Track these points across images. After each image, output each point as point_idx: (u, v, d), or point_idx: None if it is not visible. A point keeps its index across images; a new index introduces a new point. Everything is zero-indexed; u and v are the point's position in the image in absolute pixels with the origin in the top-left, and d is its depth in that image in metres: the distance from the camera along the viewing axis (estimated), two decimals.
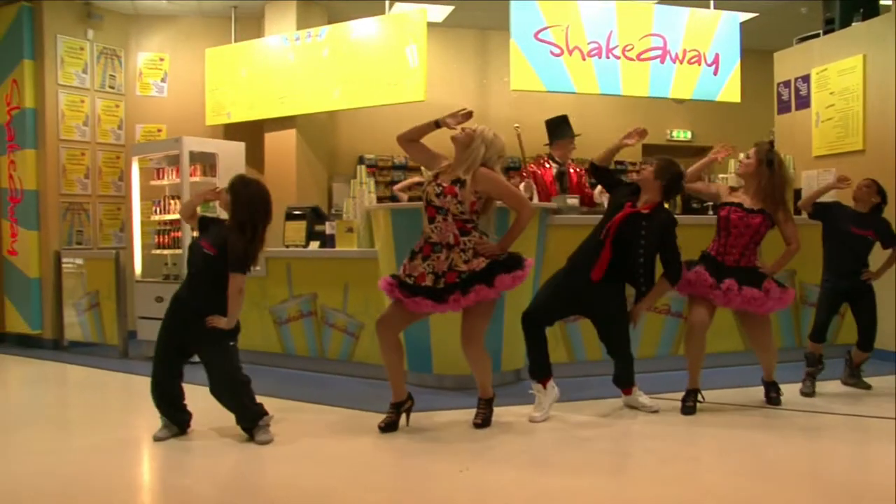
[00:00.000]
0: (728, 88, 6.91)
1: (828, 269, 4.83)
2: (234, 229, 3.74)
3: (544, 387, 4.24)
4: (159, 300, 6.16)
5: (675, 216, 4.32)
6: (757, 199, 4.23)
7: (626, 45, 6.49)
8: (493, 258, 3.80)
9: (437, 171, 3.92)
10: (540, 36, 6.27)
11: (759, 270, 4.25)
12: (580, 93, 6.33)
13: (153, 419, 3.92)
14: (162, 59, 7.90)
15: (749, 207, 4.22)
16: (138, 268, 6.65)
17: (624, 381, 4.38)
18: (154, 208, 6.62)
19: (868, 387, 4.84)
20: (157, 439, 3.82)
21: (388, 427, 3.92)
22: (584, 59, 6.38)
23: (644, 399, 4.37)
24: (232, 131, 7.81)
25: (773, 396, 4.45)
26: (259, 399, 3.91)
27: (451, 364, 4.98)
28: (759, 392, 4.57)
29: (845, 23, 6.30)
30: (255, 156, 7.80)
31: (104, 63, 7.53)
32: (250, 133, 7.76)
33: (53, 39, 7.11)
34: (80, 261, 6.95)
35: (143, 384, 4.02)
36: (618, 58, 6.49)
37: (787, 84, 6.80)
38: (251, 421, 3.83)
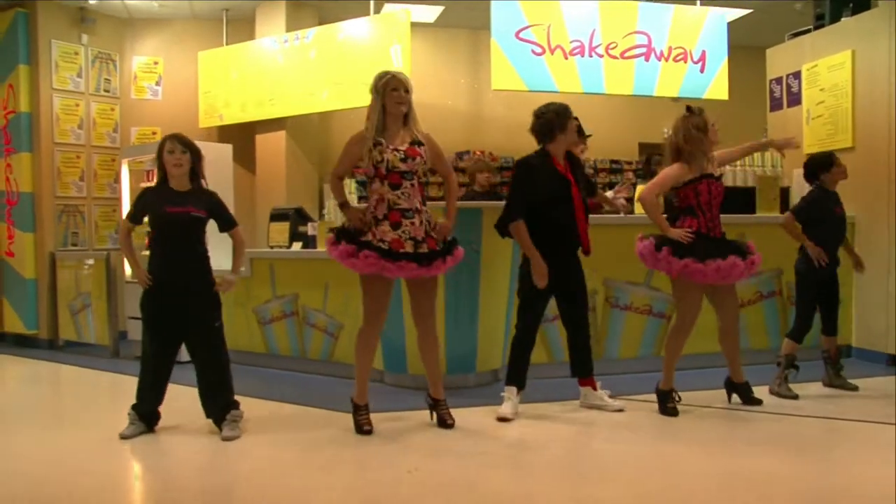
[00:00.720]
0: (715, 86, 6.83)
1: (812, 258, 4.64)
2: (205, 186, 4.00)
3: (517, 393, 4.25)
4: None
5: None
6: (711, 161, 4.20)
7: (610, 44, 6.44)
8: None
9: (376, 142, 3.76)
10: (521, 35, 6.24)
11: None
12: (563, 92, 6.28)
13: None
14: (156, 63, 7.99)
15: (717, 175, 4.18)
16: (128, 269, 6.71)
17: (590, 365, 4.33)
18: None
19: (855, 388, 4.74)
20: (123, 437, 3.85)
21: (372, 427, 3.90)
22: (566, 58, 6.34)
23: (609, 399, 4.33)
24: (226, 133, 7.88)
25: (751, 397, 4.38)
26: (236, 398, 3.98)
27: None
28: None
29: (836, 18, 6.20)
30: (248, 157, 7.86)
31: (99, 67, 7.63)
32: (244, 135, 7.83)
33: (48, 44, 7.22)
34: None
35: (129, 384, 4.04)
36: (601, 56, 6.43)
37: (779, 81, 6.71)
38: (225, 408, 3.88)
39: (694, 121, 4.13)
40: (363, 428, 3.88)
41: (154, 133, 7.87)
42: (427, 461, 3.49)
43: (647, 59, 6.52)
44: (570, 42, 6.35)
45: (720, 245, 4.10)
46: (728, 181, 6.12)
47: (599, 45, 6.41)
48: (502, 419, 4.10)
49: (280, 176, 7.56)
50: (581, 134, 5.84)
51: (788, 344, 4.69)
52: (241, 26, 7.84)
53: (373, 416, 4.07)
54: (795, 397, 4.54)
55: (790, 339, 4.70)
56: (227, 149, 6.75)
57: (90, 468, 3.49)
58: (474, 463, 3.46)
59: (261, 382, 5.40)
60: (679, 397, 4.32)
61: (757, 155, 6.27)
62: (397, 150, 3.74)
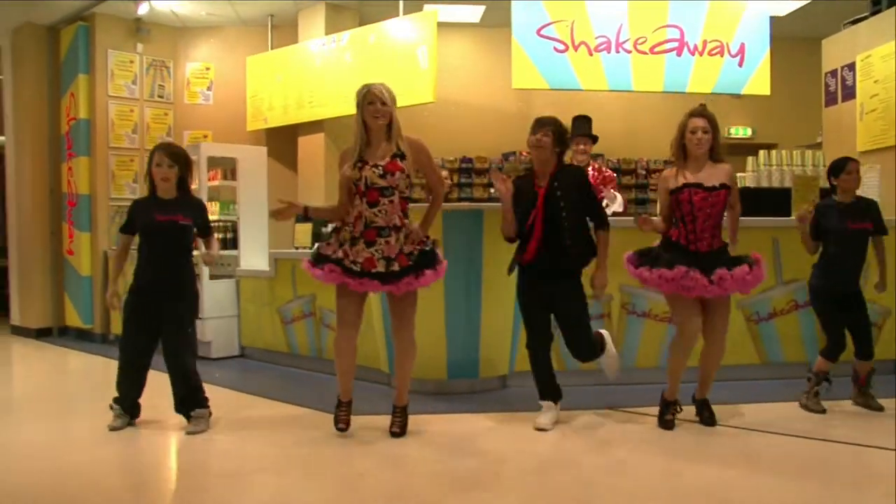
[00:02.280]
0: (755, 80, 6.36)
1: (825, 275, 4.33)
2: (191, 194, 4.14)
3: (556, 405, 4.12)
4: None
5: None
6: (712, 171, 3.86)
7: (639, 38, 6.12)
8: (423, 245, 3.77)
9: (357, 160, 3.70)
10: (543, 32, 6.05)
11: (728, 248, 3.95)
12: (587, 89, 6.05)
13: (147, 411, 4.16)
14: (208, 69, 8.28)
15: (710, 185, 3.83)
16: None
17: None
18: None
19: (880, 408, 4.31)
20: (112, 429, 4.00)
21: (347, 425, 3.88)
22: (591, 55, 6.09)
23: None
24: (272, 135, 8.08)
25: (706, 416, 4.06)
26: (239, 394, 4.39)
27: (432, 368, 4.91)
28: (757, 409, 4.28)
29: (894, 1, 5.69)
30: (292, 159, 8.03)
31: (153, 74, 7.97)
32: (288, 137, 8.01)
33: (105, 54, 7.61)
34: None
35: (153, 378, 4.16)
36: (629, 52, 6.13)
37: (833, 74, 6.23)
38: (192, 406, 4.02)
39: (680, 123, 3.90)
40: (338, 424, 3.86)
41: (205, 136, 8.16)
42: (379, 467, 3.44)
43: (679, 54, 6.16)
44: (596, 38, 6.10)
45: (695, 259, 3.82)
46: (762, 181, 5.71)
47: (627, 40, 6.11)
48: (540, 429, 3.96)
49: (319, 176, 7.66)
50: (584, 134, 5.59)
51: (821, 362, 4.36)
52: (286, 31, 8.01)
53: (364, 418, 4.07)
54: (823, 412, 4.26)
55: (823, 357, 4.37)
56: (261, 151, 6.90)
57: (65, 460, 3.63)
58: (425, 472, 3.38)
59: (273, 381, 5.53)
60: (680, 409, 4.07)
61: (797, 152, 5.83)
62: (376, 167, 3.67)
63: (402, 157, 3.70)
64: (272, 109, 7.89)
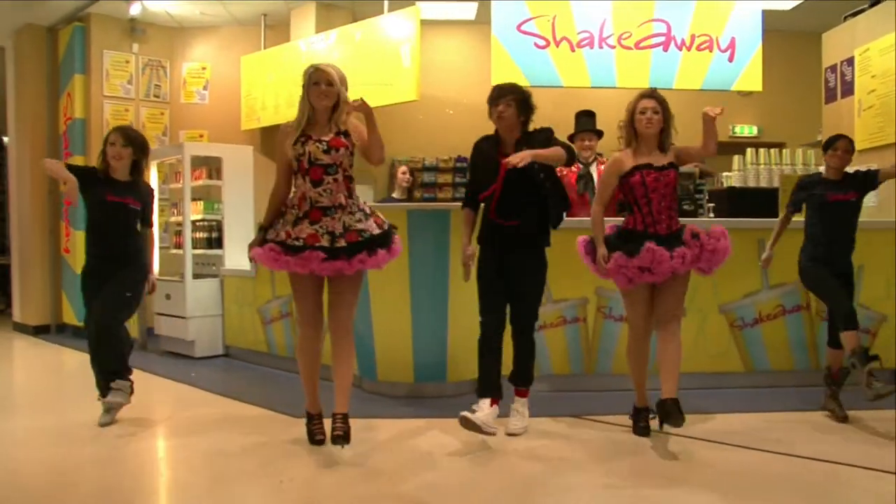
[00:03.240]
0: (746, 76, 6.10)
1: (813, 253, 4.19)
2: (143, 180, 4.16)
3: (490, 405, 3.79)
4: (167, 297, 6.50)
5: None
6: (661, 152, 3.70)
7: (623, 33, 5.92)
8: (381, 226, 3.63)
9: (299, 136, 3.56)
10: (523, 28, 5.88)
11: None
12: (568, 86, 5.87)
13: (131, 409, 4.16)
14: (204, 68, 8.28)
15: (659, 165, 3.68)
16: (156, 267, 6.95)
17: (530, 374, 3.88)
18: (171, 210, 6.92)
19: (844, 418, 4.09)
20: (102, 425, 3.95)
21: (325, 436, 3.69)
22: (573, 51, 5.90)
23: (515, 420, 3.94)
24: (267, 134, 8.01)
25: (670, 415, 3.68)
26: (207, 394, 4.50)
27: (399, 371, 4.81)
28: (739, 419, 4.13)
29: None
30: None
31: (149, 74, 8.00)
32: None
33: (100, 54, 7.66)
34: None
35: (143, 377, 4.25)
36: (612, 47, 5.93)
37: (833, 69, 5.97)
38: (111, 375, 4.03)
39: (629, 105, 3.74)
40: (315, 437, 3.70)
41: (201, 136, 8.17)
42: (306, 472, 3.35)
43: (665, 49, 5.95)
44: (578, 33, 5.91)
45: (659, 242, 3.66)
46: (749, 181, 5.48)
47: (611, 35, 5.91)
48: (488, 433, 3.72)
49: None
50: (589, 129, 5.44)
51: (848, 337, 3.94)
52: (279, 30, 7.97)
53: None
54: (845, 419, 4.07)
55: (846, 331, 3.96)
56: (247, 150, 6.86)
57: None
58: (350, 479, 3.28)
59: (247, 381, 5.48)
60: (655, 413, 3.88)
61: (786, 151, 5.58)
62: (320, 142, 3.53)
63: (346, 134, 3.59)
64: (265, 108, 7.86)
